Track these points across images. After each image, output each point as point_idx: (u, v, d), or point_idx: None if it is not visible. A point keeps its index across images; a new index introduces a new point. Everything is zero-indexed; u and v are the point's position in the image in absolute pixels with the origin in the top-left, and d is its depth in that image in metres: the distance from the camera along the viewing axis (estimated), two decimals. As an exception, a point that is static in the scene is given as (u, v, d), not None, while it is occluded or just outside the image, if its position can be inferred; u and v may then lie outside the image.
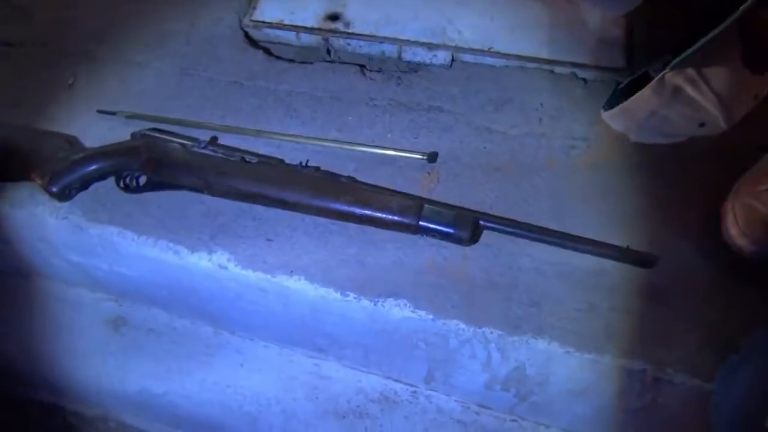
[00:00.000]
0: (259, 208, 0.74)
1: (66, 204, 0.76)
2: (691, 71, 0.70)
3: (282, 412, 0.91)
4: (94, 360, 0.96)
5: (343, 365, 0.92)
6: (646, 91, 0.72)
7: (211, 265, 0.73)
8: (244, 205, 0.75)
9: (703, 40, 0.64)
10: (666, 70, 0.70)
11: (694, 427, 0.69)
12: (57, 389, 1.00)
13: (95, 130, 0.81)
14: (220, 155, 0.75)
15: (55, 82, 0.87)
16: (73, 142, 0.77)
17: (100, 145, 0.77)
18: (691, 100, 0.71)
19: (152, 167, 0.74)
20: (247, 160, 0.75)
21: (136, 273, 0.82)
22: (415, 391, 0.90)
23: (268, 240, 0.73)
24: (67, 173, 0.74)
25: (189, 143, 0.76)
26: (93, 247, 0.78)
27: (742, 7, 0.62)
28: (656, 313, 0.66)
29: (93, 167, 0.74)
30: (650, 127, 0.75)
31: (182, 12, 0.94)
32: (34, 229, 0.78)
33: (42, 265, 0.92)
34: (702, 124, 0.73)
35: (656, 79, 0.71)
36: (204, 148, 0.75)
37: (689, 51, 0.66)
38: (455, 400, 0.89)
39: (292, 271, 0.71)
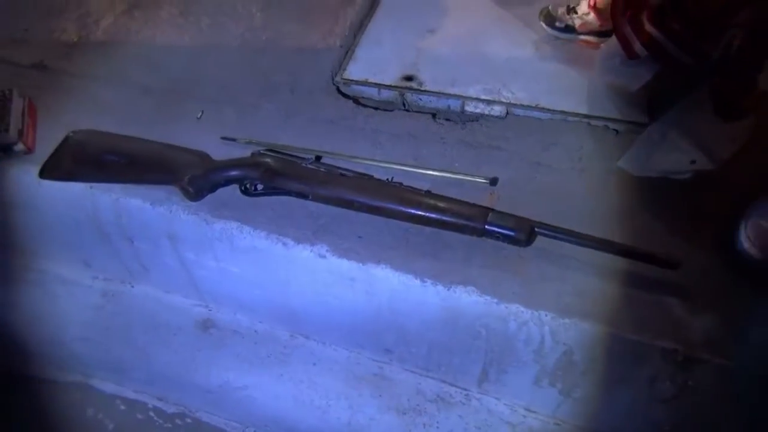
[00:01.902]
0: (352, 213, 0.91)
1: (196, 203, 0.93)
2: (673, 122, 0.91)
3: (349, 407, 1.03)
4: (184, 357, 1.09)
5: (404, 369, 1.04)
6: (640, 138, 0.95)
7: (312, 255, 0.89)
8: (340, 210, 0.91)
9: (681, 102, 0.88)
10: (651, 124, 0.93)
11: (720, 406, 0.80)
12: (147, 384, 1.12)
13: (220, 151, 0.99)
14: (323, 170, 0.93)
15: (186, 116, 1.08)
16: (205, 157, 0.96)
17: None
18: (676, 145, 0.90)
19: (269, 177, 0.92)
20: (344, 174, 0.93)
21: (239, 269, 0.98)
22: (467, 394, 1.02)
23: (359, 237, 0.89)
24: (203, 178, 0.92)
25: (298, 160, 0.94)
26: (211, 242, 0.95)
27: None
28: (682, 304, 0.80)
29: (223, 175, 0.93)
30: (650, 167, 0.93)
31: (287, 69, 1.17)
32: (166, 224, 0.95)
33: (150, 268, 1.09)
34: (693, 162, 0.91)
35: (646, 130, 0.94)
36: (310, 164, 0.93)
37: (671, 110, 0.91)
38: (504, 403, 1.00)
39: (379, 261, 0.86)
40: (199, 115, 1.08)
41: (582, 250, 0.83)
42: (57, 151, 0.97)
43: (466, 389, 1.02)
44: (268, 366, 1.07)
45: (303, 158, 0.95)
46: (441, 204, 0.87)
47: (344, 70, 1.18)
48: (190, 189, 0.92)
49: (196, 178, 0.92)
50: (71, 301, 1.16)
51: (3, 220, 1.12)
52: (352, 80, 1.16)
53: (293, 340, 1.09)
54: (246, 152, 0.98)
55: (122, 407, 1.15)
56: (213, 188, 0.94)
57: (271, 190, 0.93)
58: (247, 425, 1.09)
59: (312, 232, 0.90)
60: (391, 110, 1.11)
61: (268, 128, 1.06)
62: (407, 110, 1.11)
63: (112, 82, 1.16)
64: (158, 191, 0.96)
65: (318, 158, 0.95)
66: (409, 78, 1.16)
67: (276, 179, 0.92)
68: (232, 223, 0.92)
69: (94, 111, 1.09)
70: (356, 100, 1.13)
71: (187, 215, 0.93)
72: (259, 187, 0.93)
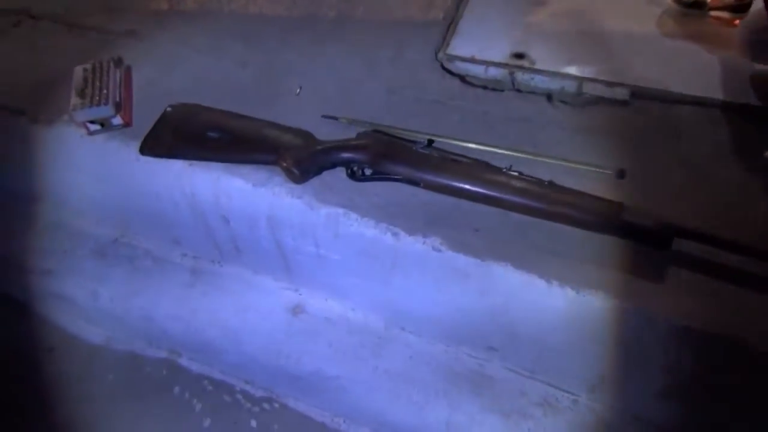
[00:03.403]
0: (466, 203, 0.84)
1: (300, 186, 0.88)
2: None
3: (448, 404, 0.97)
4: (275, 342, 1.06)
5: (506, 368, 0.98)
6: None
7: (425, 247, 0.83)
8: (453, 199, 0.85)
9: None
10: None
11: None
12: (235, 366, 1.10)
13: (321, 130, 0.94)
14: (435, 155, 0.86)
15: (285, 91, 1.02)
16: (309, 137, 0.91)
17: (326, 140, 0.91)
18: None
19: (378, 160, 0.86)
20: (457, 160, 0.86)
21: (341, 257, 0.93)
22: (576, 400, 0.95)
23: (476, 230, 0.83)
24: (309, 160, 0.87)
25: (409, 143, 0.88)
26: (314, 227, 0.90)
27: None
28: None
29: (330, 157, 0.87)
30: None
31: (387, 43, 1.10)
32: (267, 206, 0.91)
33: (243, 249, 1.05)
34: None
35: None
36: (423, 148, 0.87)
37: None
38: (617, 411, 0.93)
39: (499, 258, 0.80)
40: (297, 91, 1.02)
41: (730, 257, 0.74)
42: (156, 126, 0.94)
43: (574, 394, 0.95)
44: (362, 357, 1.02)
45: (414, 141, 0.88)
46: (568, 197, 0.80)
47: (448, 45, 1.10)
48: (295, 171, 0.87)
49: (301, 159, 0.87)
50: (162, 278, 1.14)
51: (97, 193, 1.11)
52: (456, 56, 1.08)
53: (388, 331, 1.04)
54: (348, 132, 0.93)
55: (209, 388, 1.13)
56: (319, 171, 0.88)
57: (380, 175, 0.87)
58: (338, 414, 1.06)
59: (424, 222, 0.84)
60: (501, 90, 1.03)
61: (371, 106, 0.99)
62: (518, 91, 1.03)
63: (207, 53, 1.11)
64: (260, 171, 0.91)
65: (430, 142, 0.88)
66: (519, 55, 1.07)
67: (386, 163, 0.86)
68: (337, 209, 0.87)
69: (189, 83, 1.05)
70: (462, 79, 1.05)
71: (290, 198, 0.89)
72: (367, 171, 0.88)
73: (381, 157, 0.86)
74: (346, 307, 1.07)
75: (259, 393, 1.11)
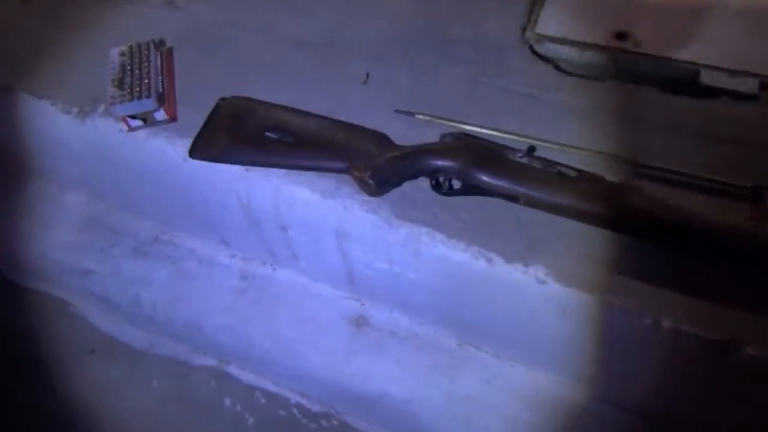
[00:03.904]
0: (575, 224, 0.72)
1: (376, 199, 0.76)
2: None
3: (532, 437, 0.87)
4: (336, 357, 0.96)
5: (595, 398, 0.87)
6: None
7: (525, 277, 0.70)
8: (557, 218, 0.72)
9: None
10: None
11: None
12: (291, 379, 1.01)
13: (394, 128, 0.81)
14: (538, 166, 0.73)
15: (348, 78, 0.89)
16: (384, 140, 0.78)
17: (403, 144, 0.78)
18: None
19: (470, 171, 0.73)
20: (565, 173, 0.72)
21: (418, 276, 0.82)
22: None
23: (588, 257, 0.70)
24: (387, 169, 0.74)
25: (507, 151, 0.74)
26: (390, 245, 0.78)
27: None
28: None
29: (411, 165, 0.74)
30: None
31: (465, 17, 0.94)
32: (336, 220, 0.79)
33: (302, 257, 0.94)
34: None
35: None
36: (522, 157, 0.73)
37: None
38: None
39: (622, 295, 0.67)
40: (363, 80, 0.88)
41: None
42: (208, 123, 0.81)
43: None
44: (435, 379, 0.92)
45: (511, 148, 0.75)
46: (711, 221, 0.66)
47: (535, 22, 0.94)
48: (371, 181, 0.74)
49: (378, 168, 0.74)
50: (208, 282, 1.04)
51: (136, 189, 1.00)
52: (546, 36, 0.92)
53: (462, 350, 0.93)
54: (427, 131, 0.80)
55: (262, 400, 1.05)
56: (399, 182, 0.76)
57: (472, 189, 0.74)
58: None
59: (524, 246, 0.72)
60: (602, 80, 0.88)
61: (450, 99, 0.85)
62: (622, 80, 0.87)
63: (258, 32, 0.97)
64: (326, 180, 0.79)
65: (531, 150, 0.75)
66: (621, 35, 0.91)
67: (479, 175, 0.73)
68: (420, 228, 0.74)
69: (240, 68, 0.92)
70: (556, 65, 0.89)
71: (364, 213, 0.76)
72: (456, 183, 0.75)
73: (473, 166, 0.73)
74: (414, 322, 0.96)
75: (316, 408, 1.03)
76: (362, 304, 0.99)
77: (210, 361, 1.07)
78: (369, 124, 0.82)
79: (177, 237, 1.07)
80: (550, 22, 0.94)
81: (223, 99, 0.83)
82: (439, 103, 0.84)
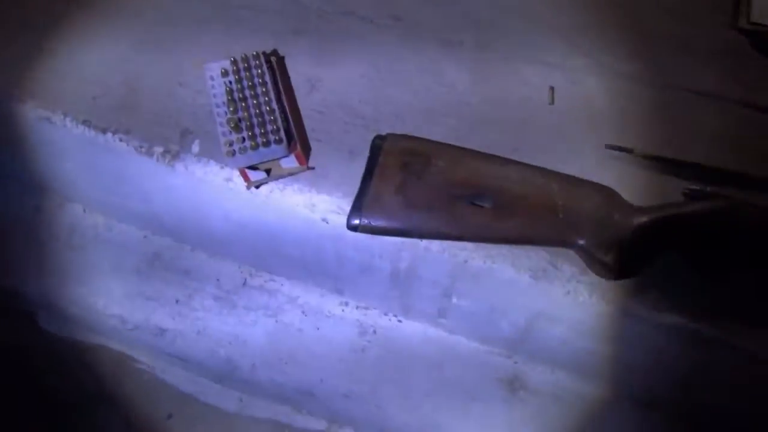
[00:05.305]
0: None
1: (614, 283, 0.57)
2: None
3: None
4: (489, 423, 0.80)
5: None
6: None
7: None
8: None
9: None
10: None
11: None
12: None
13: (602, 173, 0.61)
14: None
15: (531, 98, 0.67)
16: (613, 197, 0.58)
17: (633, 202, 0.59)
18: None
19: (749, 246, 0.54)
20: None
21: (637, 360, 0.65)
22: None
23: None
24: (630, 242, 0.55)
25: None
26: (619, 334, 0.60)
27: None
28: None
29: (666, 236, 0.55)
30: None
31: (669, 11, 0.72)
32: (545, 304, 0.60)
33: (455, 317, 0.76)
34: None
35: None
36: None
37: None
38: None
39: None
40: (549, 98, 0.67)
41: None
42: (370, 178, 0.59)
43: None
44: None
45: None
46: None
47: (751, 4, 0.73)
48: (607, 259, 0.55)
49: (618, 240, 0.55)
50: (318, 338, 0.84)
51: (227, 231, 0.78)
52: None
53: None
54: (645, 177, 0.60)
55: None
56: (648, 260, 0.56)
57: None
58: None
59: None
60: None
61: (667, 125, 0.65)
62: None
63: (401, 32, 0.72)
64: (536, 254, 0.59)
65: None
66: None
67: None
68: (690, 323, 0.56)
69: (374, 83, 0.68)
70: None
71: (596, 301, 0.58)
72: (720, 260, 0.56)
73: (754, 239, 0.54)
74: (579, 381, 0.80)
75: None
76: (515, 363, 0.82)
77: (320, 425, 0.90)
78: (567, 166, 0.62)
79: (271, 282, 0.86)
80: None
81: (380, 138, 0.61)
82: (650, 130, 0.64)
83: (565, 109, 0.66)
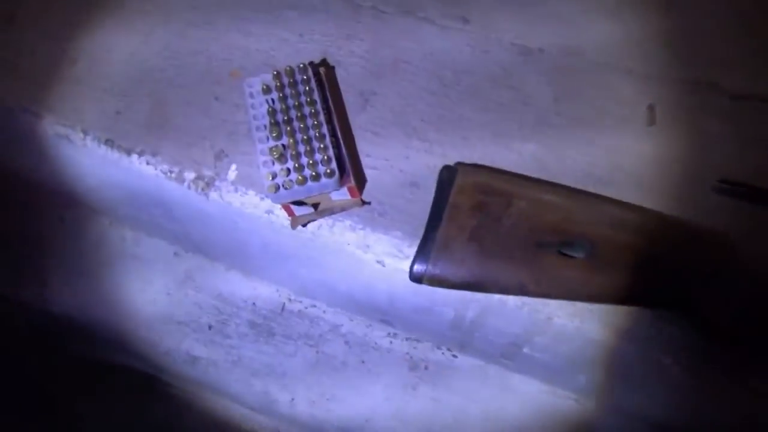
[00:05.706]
0: None
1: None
2: None
3: None
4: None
5: None
6: None
7: None
8: None
9: None
10: None
11: None
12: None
13: (710, 211, 0.50)
14: None
15: (620, 118, 0.56)
16: (725, 243, 0.48)
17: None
18: None
19: None
20: None
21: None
22: None
23: None
24: (752, 302, 0.45)
25: None
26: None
27: None
28: None
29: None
30: None
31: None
32: (638, 364, 0.51)
33: (521, 360, 0.67)
34: None
35: None
36: None
37: None
38: None
39: None
40: (648, 120, 0.56)
41: None
42: (437, 220, 0.50)
43: None
44: None
45: None
46: None
47: None
48: (722, 321, 0.45)
49: (735, 298, 0.45)
50: (364, 373, 0.77)
51: (265, 256, 0.70)
52: None
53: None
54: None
55: None
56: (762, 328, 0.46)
57: None
58: None
59: None
60: None
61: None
62: None
63: (470, 36, 0.62)
64: (631, 313, 0.49)
65: None
66: None
67: None
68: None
69: (423, 99, 0.58)
70: None
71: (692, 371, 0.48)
72: None
73: None
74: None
75: None
76: (576, 401, 0.73)
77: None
78: (669, 204, 0.51)
79: (312, 308, 0.79)
80: None
81: (449, 169, 0.51)
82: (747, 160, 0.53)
83: (666, 131, 0.55)
